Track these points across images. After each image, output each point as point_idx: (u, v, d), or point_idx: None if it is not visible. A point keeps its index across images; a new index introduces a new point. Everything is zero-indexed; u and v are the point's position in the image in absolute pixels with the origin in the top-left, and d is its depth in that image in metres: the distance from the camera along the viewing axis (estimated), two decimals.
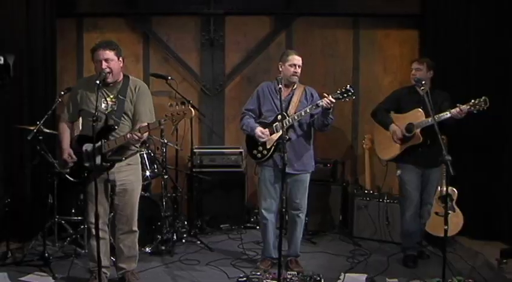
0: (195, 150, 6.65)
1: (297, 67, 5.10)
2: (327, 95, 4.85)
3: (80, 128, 4.82)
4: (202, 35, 7.17)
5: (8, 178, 5.95)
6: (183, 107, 4.27)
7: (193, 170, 6.51)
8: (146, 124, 4.33)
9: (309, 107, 4.97)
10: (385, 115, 5.58)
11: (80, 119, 4.73)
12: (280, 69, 5.18)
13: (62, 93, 5.53)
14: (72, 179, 4.60)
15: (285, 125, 4.93)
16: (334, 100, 4.82)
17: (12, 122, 5.85)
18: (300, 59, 5.12)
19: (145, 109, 4.57)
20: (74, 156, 4.52)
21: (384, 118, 5.54)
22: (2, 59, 4.69)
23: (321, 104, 4.85)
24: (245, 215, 6.88)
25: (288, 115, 5.03)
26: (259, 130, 5.08)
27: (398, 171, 5.53)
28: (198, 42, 7.21)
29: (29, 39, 6.17)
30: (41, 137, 5.31)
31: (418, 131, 5.30)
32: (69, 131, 4.69)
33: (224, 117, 7.30)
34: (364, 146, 6.64)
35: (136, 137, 4.32)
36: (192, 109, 4.33)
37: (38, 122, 5.26)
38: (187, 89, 7.12)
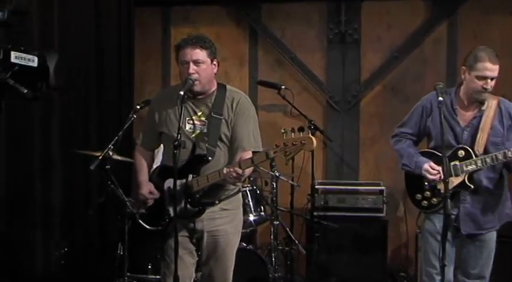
0: (317, 187, 6.45)
1: (489, 81, 4.47)
2: None
3: (161, 157, 4.65)
4: (329, 28, 6.99)
5: (67, 221, 5.93)
6: (301, 134, 3.97)
7: (315, 214, 6.30)
8: (249, 157, 4.09)
9: (501, 153, 4.45)
10: None
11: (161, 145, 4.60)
12: (463, 76, 4.57)
13: (138, 107, 5.43)
14: (146, 226, 4.42)
15: (467, 168, 4.46)
16: None
17: (75, 146, 5.80)
18: (496, 68, 4.46)
19: (248, 133, 4.32)
20: (155, 191, 4.32)
21: None
22: (36, 59, 4.05)
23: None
24: (387, 279, 6.52)
25: (474, 152, 4.50)
26: (428, 165, 4.55)
27: None
28: (323, 38, 7.05)
29: (98, 37, 6.25)
30: (108, 167, 5.22)
31: None
32: (148, 159, 4.56)
33: (359, 142, 7.07)
34: None
35: (235, 174, 4.02)
36: (314, 138, 3.92)
37: (108, 147, 5.24)
38: (308, 102, 6.97)
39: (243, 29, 7.15)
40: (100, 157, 5.10)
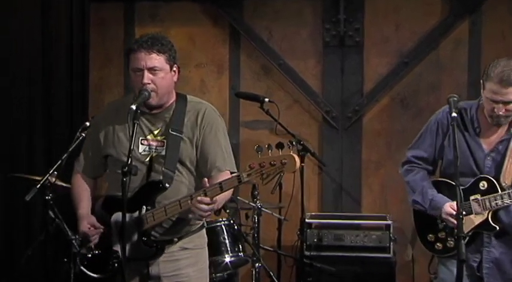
0: (309, 221, 6.26)
1: (501, 106, 4.20)
2: None
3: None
4: (325, 28, 6.84)
5: (3, 263, 5.85)
6: (280, 152, 3.71)
7: (306, 254, 6.10)
8: (218, 182, 3.87)
9: None
10: None
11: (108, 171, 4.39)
12: (482, 92, 4.32)
13: (88, 123, 5.14)
14: (90, 273, 4.14)
15: (491, 204, 4.27)
16: None
17: (15, 172, 5.70)
18: (509, 92, 4.19)
19: (221, 150, 4.19)
20: (97, 224, 4.14)
21: None
22: None
23: None
24: None
25: (499, 185, 4.27)
26: (450, 207, 4.29)
27: None
28: (318, 40, 6.92)
29: (45, 37, 6.15)
30: (48, 197, 5.02)
31: None
32: (90, 188, 4.37)
33: (361, 166, 6.92)
34: None
35: (205, 207, 3.82)
36: (296, 156, 3.68)
37: (49, 173, 5.04)
38: (299, 118, 6.93)
39: (222, 30, 7.04)
40: (39, 184, 4.87)
